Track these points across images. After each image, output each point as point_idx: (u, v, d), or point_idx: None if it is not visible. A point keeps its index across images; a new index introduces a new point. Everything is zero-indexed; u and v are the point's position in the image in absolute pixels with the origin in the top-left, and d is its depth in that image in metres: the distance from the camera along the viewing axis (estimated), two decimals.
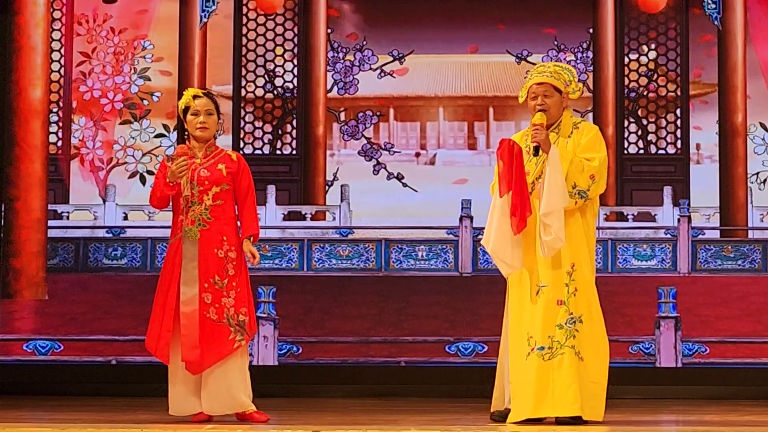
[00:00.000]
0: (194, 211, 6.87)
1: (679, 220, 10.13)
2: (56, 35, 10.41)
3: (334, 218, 10.20)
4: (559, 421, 6.57)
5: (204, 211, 6.88)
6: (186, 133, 7.02)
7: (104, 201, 10.28)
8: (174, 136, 10.24)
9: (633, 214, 10.25)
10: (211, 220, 6.88)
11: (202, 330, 6.76)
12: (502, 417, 6.80)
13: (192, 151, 6.93)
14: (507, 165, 6.67)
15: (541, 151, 6.66)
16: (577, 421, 6.54)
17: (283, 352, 9.95)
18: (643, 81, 10.34)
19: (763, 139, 10.26)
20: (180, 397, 6.88)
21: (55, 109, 10.33)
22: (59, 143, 10.31)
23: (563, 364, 6.55)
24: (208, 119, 6.95)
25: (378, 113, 10.39)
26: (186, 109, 6.97)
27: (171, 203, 6.94)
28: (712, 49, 10.27)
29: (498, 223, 6.69)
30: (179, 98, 7.03)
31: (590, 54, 10.31)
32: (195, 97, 6.97)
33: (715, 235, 10.17)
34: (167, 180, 6.82)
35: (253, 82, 10.39)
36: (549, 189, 6.58)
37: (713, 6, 10.25)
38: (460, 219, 10.16)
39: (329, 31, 10.39)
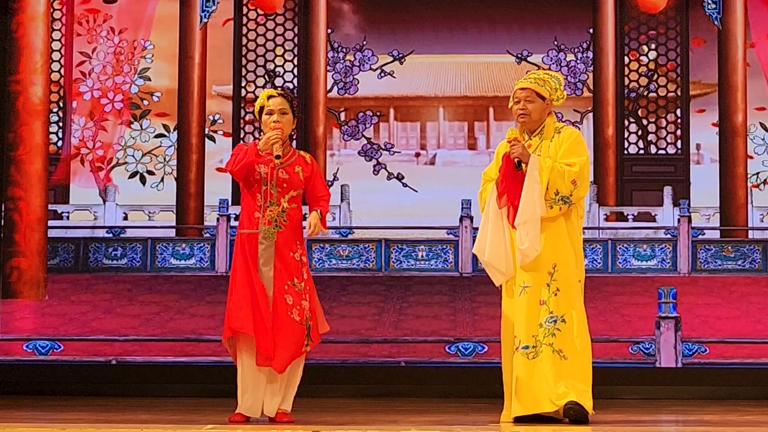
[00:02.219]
0: (272, 212, 6.86)
1: (679, 220, 10.13)
2: (56, 35, 10.41)
3: (334, 218, 10.20)
4: (556, 419, 6.65)
5: (281, 213, 6.87)
6: (262, 133, 6.99)
7: (104, 201, 10.28)
8: (174, 136, 10.23)
9: (633, 214, 10.25)
10: (287, 223, 6.88)
11: (287, 330, 6.78)
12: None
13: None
14: (502, 178, 6.82)
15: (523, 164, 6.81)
16: (564, 415, 6.63)
17: None
18: (643, 81, 10.34)
19: (763, 139, 10.26)
20: (255, 398, 6.86)
21: (55, 109, 10.33)
22: (59, 143, 10.31)
23: (542, 361, 6.68)
24: (282, 118, 6.90)
25: (378, 113, 10.39)
26: (261, 109, 6.97)
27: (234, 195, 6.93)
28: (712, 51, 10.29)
29: (493, 230, 6.84)
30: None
31: (590, 54, 10.31)
32: (270, 97, 6.95)
33: (715, 235, 10.16)
34: (258, 147, 6.78)
35: (253, 82, 10.39)
36: (524, 198, 6.76)
37: (713, 6, 10.25)
38: (460, 219, 10.16)
39: (329, 31, 10.39)
